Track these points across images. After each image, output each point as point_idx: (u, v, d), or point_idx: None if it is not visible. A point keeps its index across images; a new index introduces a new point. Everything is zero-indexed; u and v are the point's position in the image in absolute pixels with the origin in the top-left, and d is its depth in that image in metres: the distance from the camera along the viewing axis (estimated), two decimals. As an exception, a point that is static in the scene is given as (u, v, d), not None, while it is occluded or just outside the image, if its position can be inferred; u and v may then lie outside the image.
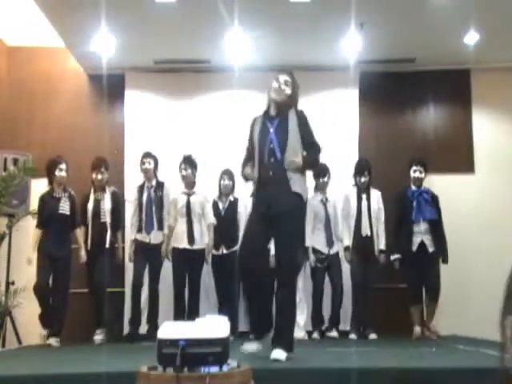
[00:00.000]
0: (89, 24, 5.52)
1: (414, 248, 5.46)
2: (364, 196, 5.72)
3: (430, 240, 5.47)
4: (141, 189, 5.74)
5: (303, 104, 6.70)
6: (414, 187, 5.64)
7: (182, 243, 5.56)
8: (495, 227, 6.35)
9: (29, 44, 6.82)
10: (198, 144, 6.30)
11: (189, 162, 5.69)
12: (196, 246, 5.58)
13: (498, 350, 1.40)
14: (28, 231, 5.53)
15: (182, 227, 5.61)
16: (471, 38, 5.94)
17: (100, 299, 5.36)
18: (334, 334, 5.62)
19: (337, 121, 6.68)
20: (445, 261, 5.50)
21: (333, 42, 5.99)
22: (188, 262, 5.56)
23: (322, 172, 5.71)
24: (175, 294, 5.54)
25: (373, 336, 5.45)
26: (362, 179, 5.73)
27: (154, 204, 5.65)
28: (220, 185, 5.87)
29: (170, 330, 2.24)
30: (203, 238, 5.62)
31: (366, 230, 5.63)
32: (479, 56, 6.17)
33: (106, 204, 5.57)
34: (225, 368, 2.18)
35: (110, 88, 6.32)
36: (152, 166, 5.72)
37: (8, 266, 5.76)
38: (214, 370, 2.15)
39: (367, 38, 5.83)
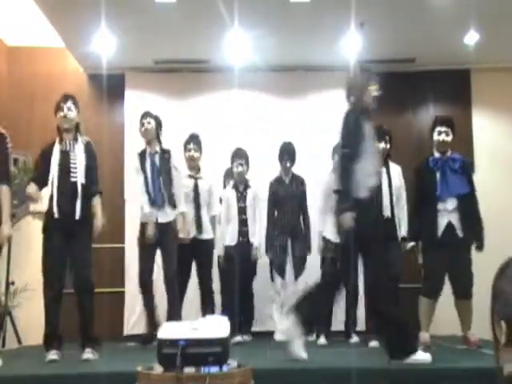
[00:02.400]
0: (89, 24, 5.52)
1: (440, 232, 4.36)
2: (383, 169, 4.85)
3: (459, 221, 4.35)
4: (142, 156, 4.92)
5: (303, 104, 6.79)
6: (437, 154, 4.54)
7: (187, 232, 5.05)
8: (495, 227, 6.33)
9: (29, 44, 6.81)
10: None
11: (196, 141, 5.30)
12: (206, 236, 5.21)
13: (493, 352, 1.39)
14: (28, 231, 5.53)
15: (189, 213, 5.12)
16: (471, 37, 5.94)
17: (85, 301, 4.12)
18: (354, 339, 5.06)
19: (337, 121, 6.66)
20: (480, 248, 4.39)
21: (333, 42, 5.99)
22: (195, 253, 5.12)
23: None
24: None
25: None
26: (381, 146, 4.88)
27: (160, 174, 4.83)
28: (234, 170, 5.42)
29: (170, 329, 2.24)
30: (209, 228, 5.26)
31: (386, 211, 4.80)
32: (479, 56, 6.17)
33: (79, 157, 4.08)
34: (225, 368, 2.18)
35: (109, 88, 6.32)
36: (153, 125, 4.94)
37: (8, 266, 5.75)
38: (214, 370, 2.15)
39: (367, 37, 5.83)
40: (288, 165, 5.46)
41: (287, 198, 5.42)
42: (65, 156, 4.05)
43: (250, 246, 5.33)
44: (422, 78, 6.79)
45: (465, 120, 6.81)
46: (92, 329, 4.07)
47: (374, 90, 3.84)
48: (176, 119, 6.64)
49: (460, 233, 4.35)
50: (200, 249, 5.16)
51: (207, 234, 5.24)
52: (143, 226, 4.81)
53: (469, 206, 4.41)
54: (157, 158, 4.86)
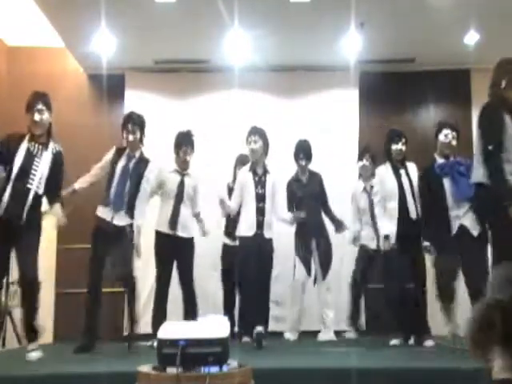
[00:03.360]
0: (89, 24, 5.52)
1: (454, 232, 4.34)
2: (402, 171, 4.88)
3: (472, 220, 4.27)
4: (119, 152, 4.66)
5: (303, 104, 6.79)
6: (440, 160, 4.52)
7: (165, 227, 4.88)
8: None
9: (29, 44, 6.81)
10: (198, 144, 6.27)
11: (189, 142, 5.12)
12: (185, 234, 4.94)
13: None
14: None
15: (167, 209, 4.94)
16: (471, 37, 5.94)
17: (29, 298, 4.04)
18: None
19: (337, 121, 6.69)
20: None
21: (333, 42, 5.99)
22: (174, 251, 4.86)
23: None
24: (157, 289, 4.88)
25: (430, 343, 4.64)
26: (398, 147, 4.92)
27: (130, 177, 4.55)
28: (248, 147, 4.91)
29: (170, 330, 2.24)
30: (193, 225, 5.04)
31: (413, 213, 4.75)
32: (479, 56, 6.17)
33: (42, 164, 3.91)
34: (225, 368, 2.18)
35: (109, 88, 6.32)
36: (138, 135, 4.65)
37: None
38: (214, 370, 2.15)
39: (367, 37, 5.83)
40: (304, 163, 5.34)
41: (306, 198, 5.28)
42: (29, 159, 3.90)
43: (267, 240, 4.78)
44: (422, 78, 6.79)
45: (465, 120, 6.80)
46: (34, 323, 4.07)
47: None
48: (176, 119, 6.65)
49: (474, 232, 4.27)
50: (179, 247, 4.89)
51: (186, 233, 4.96)
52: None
53: None
54: (133, 162, 4.62)
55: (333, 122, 6.66)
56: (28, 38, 6.70)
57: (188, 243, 4.95)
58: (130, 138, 4.61)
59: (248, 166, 4.93)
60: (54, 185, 4.03)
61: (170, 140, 6.49)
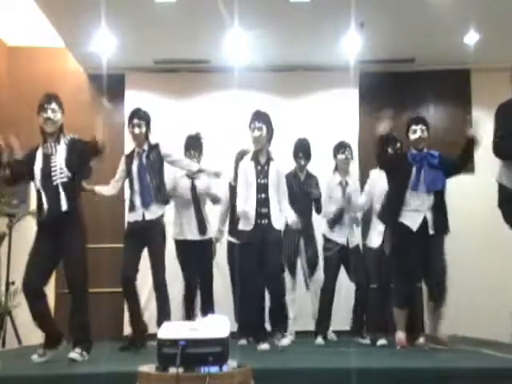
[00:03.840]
0: (89, 24, 5.52)
1: (415, 228, 4.36)
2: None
3: (432, 218, 4.37)
4: (129, 157, 4.73)
5: (303, 104, 6.79)
6: (414, 151, 4.55)
7: (190, 234, 5.03)
8: (495, 227, 6.33)
9: (29, 44, 6.82)
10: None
11: (198, 145, 5.19)
12: (207, 236, 5.12)
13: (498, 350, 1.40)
14: (28, 231, 5.52)
15: (186, 215, 5.07)
16: (471, 37, 5.95)
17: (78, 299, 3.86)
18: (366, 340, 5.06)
19: (337, 121, 6.69)
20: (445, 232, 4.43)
21: (333, 41, 6.00)
22: (196, 255, 5.03)
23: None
24: (185, 292, 5.09)
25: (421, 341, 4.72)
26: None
27: (147, 171, 4.61)
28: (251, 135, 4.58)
29: (170, 329, 2.24)
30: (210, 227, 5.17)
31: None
32: (479, 56, 6.17)
33: (59, 158, 3.93)
34: (225, 368, 2.18)
35: (110, 88, 6.32)
36: (143, 130, 4.70)
37: (8, 266, 5.75)
38: (214, 370, 2.15)
39: (367, 37, 5.83)
40: (303, 162, 5.27)
41: (301, 196, 5.20)
42: (46, 160, 3.93)
43: (274, 231, 4.45)
44: (421, 77, 6.80)
45: (465, 120, 6.80)
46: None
47: None
48: (176, 119, 6.65)
49: (431, 230, 4.36)
50: (201, 250, 5.06)
51: (208, 235, 5.16)
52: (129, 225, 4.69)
53: (441, 202, 4.44)
54: (144, 157, 4.66)
55: (333, 122, 6.66)
56: (28, 37, 6.70)
57: (206, 245, 5.11)
58: (136, 130, 4.65)
59: (250, 154, 4.62)
60: (75, 167, 3.94)
61: (170, 140, 6.49)
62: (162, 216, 4.63)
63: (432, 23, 5.67)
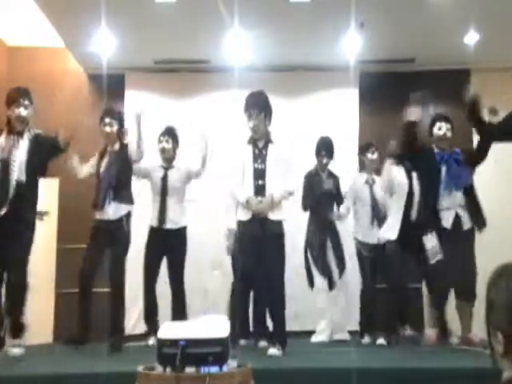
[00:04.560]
0: (89, 24, 5.52)
1: (449, 225, 4.40)
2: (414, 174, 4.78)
3: (465, 214, 4.44)
4: (101, 155, 4.67)
5: (303, 104, 6.79)
6: (438, 149, 4.52)
7: (155, 221, 4.91)
8: (495, 227, 6.34)
9: (29, 44, 6.82)
10: (198, 144, 6.29)
11: (171, 134, 5.14)
12: (171, 226, 4.92)
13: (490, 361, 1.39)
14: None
15: (155, 203, 4.98)
16: (471, 37, 5.94)
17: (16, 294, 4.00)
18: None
19: (337, 121, 6.69)
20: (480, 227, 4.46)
21: (333, 41, 5.99)
22: (163, 244, 4.86)
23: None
24: (144, 284, 4.88)
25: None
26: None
27: (113, 171, 4.52)
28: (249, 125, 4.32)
29: (170, 329, 2.24)
30: (182, 217, 4.99)
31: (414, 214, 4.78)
32: (479, 56, 6.17)
33: (20, 154, 3.92)
34: (225, 368, 2.18)
35: (109, 88, 6.31)
36: (115, 129, 4.65)
37: (8, 265, 5.75)
38: (214, 370, 2.15)
39: (367, 37, 5.83)
40: (325, 161, 5.22)
41: (324, 195, 5.19)
42: (6, 151, 3.94)
43: (272, 222, 4.09)
44: (422, 77, 6.79)
45: (465, 120, 6.79)
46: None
47: None
48: (176, 119, 6.64)
49: (465, 226, 4.39)
50: (169, 241, 4.90)
51: (173, 225, 4.94)
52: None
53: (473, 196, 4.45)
54: (113, 154, 4.59)
55: (333, 122, 6.65)
56: (28, 37, 6.70)
57: (179, 235, 4.92)
58: (107, 129, 4.63)
59: (247, 138, 4.31)
60: (33, 166, 3.98)
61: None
62: (127, 216, 4.54)
63: (432, 23, 5.67)
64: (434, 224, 4.41)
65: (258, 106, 4.20)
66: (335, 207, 5.27)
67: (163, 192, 4.96)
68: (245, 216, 4.09)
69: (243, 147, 4.22)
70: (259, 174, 4.10)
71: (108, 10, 5.12)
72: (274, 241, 4.04)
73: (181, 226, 4.96)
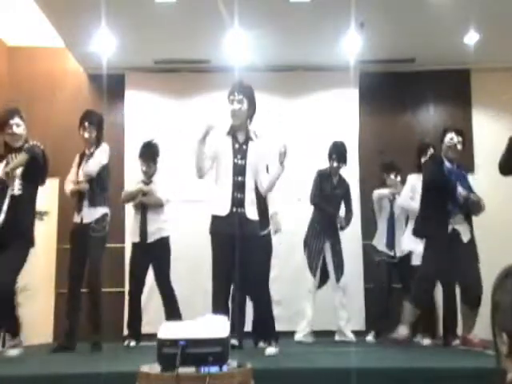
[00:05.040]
0: (89, 24, 5.52)
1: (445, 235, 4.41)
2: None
3: (464, 226, 4.46)
4: (79, 159, 4.77)
5: (303, 104, 6.79)
6: (447, 163, 4.51)
7: (135, 237, 5.07)
8: (495, 227, 6.35)
9: (29, 44, 6.82)
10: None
11: (149, 153, 5.17)
12: (152, 239, 5.02)
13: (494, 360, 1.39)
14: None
15: (135, 218, 5.12)
16: (471, 37, 5.95)
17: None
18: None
19: (337, 121, 6.69)
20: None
21: (333, 42, 6.00)
22: (146, 257, 5.00)
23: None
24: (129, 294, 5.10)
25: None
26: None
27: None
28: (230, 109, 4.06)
29: (170, 329, 2.24)
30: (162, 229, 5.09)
31: None
32: (479, 56, 6.17)
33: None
34: (225, 368, 2.18)
35: (109, 88, 6.32)
36: (93, 134, 4.72)
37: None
38: (214, 369, 2.15)
39: (367, 37, 5.83)
40: (335, 164, 5.28)
41: (332, 198, 5.27)
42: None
43: (250, 221, 3.90)
44: (421, 77, 6.80)
45: (465, 120, 6.81)
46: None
47: None
48: (176, 119, 6.65)
49: (465, 238, 4.41)
50: (153, 252, 5.03)
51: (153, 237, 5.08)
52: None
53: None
54: (89, 159, 4.68)
55: (333, 122, 6.66)
56: (28, 37, 6.70)
57: (161, 245, 5.04)
58: (86, 135, 4.71)
59: (227, 129, 4.04)
60: (29, 178, 4.05)
61: (170, 140, 6.51)
62: (102, 220, 4.61)
63: (432, 23, 5.67)
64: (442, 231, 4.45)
65: (242, 92, 3.99)
66: (341, 213, 5.36)
67: (143, 208, 5.08)
68: (221, 211, 3.88)
69: (222, 138, 3.99)
70: (239, 170, 3.90)
71: (108, 10, 5.12)
72: (253, 239, 3.93)
73: (162, 236, 5.07)
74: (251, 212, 3.90)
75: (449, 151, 4.52)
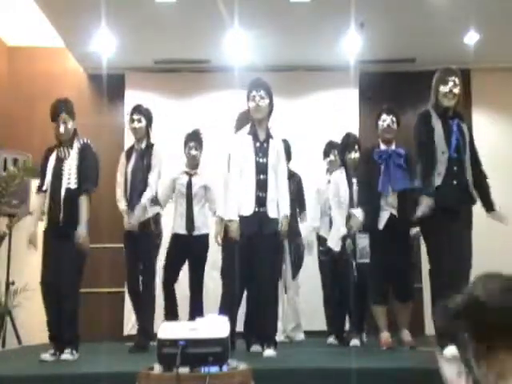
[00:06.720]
0: (89, 24, 5.52)
1: (381, 225, 4.26)
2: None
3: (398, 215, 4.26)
4: (129, 153, 4.78)
5: (303, 104, 6.79)
6: (382, 146, 4.45)
7: (180, 228, 4.95)
8: (495, 227, 6.33)
9: (29, 44, 6.82)
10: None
11: (197, 139, 5.11)
12: (196, 232, 4.98)
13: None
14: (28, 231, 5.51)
15: (180, 210, 5.01)
16: (471, 37, 5.95)
17: (65, 305, 3.93)
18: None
19: (337, 121, 6.69)
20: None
21: (333, 42, 6.00)
22: (187, 250, 4.92)
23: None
24: (163, 288, 4.93)
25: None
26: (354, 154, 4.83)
27: (138, 173, 4.61)
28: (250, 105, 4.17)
29: (170, 329, 2.24)
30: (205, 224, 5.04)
31: None
32: (479, 56, 6.17)
33: (70, 161, 4.01)
34: (225, 368, 2.18)
35: (109, 88, 6.32)
36: (143, 124, 4.76)
37: (8, 266, 5.75)
38: (214, 370, 2.15)
39: (367, 37, 5.84)
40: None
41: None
42: (58, 164, 4.05)
43: (271, 220, 3.91)
44: (422, 77, 6.77)
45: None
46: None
47: None
48: (176, 119, 6.65)
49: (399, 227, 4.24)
50: (193, 246, 4.96)
51: (199, 230, 4.99)
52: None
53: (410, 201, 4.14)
54: (139, 156, 4.67)
55: (333, 122, 6.65)
56: (28, 37, 6.70)
57: (201, 240, 4.97)
58: (136, 124, 4.75)
59: (247, 128, 4.08)
60: (82, 174, 4.02)
61: (170, 140, 6.49)
62: (153, 218, 4.63)
63: (432, 23, 5.67)
64: (370, 224, 4.27)
65: (264, 88, 4.07)
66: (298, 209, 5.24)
67: (189, 200, 5.01)
68: (246, 211, 3.90)
69: (243, 138, 4.04)
70: (261, 169, 3.94)
71: (108, 10, 5.13)
72: (271, 242, 3.93)
73: (207, 232, 5.04)
74: (272, 210, 3.91)
75: (383, 133, 4.46)
